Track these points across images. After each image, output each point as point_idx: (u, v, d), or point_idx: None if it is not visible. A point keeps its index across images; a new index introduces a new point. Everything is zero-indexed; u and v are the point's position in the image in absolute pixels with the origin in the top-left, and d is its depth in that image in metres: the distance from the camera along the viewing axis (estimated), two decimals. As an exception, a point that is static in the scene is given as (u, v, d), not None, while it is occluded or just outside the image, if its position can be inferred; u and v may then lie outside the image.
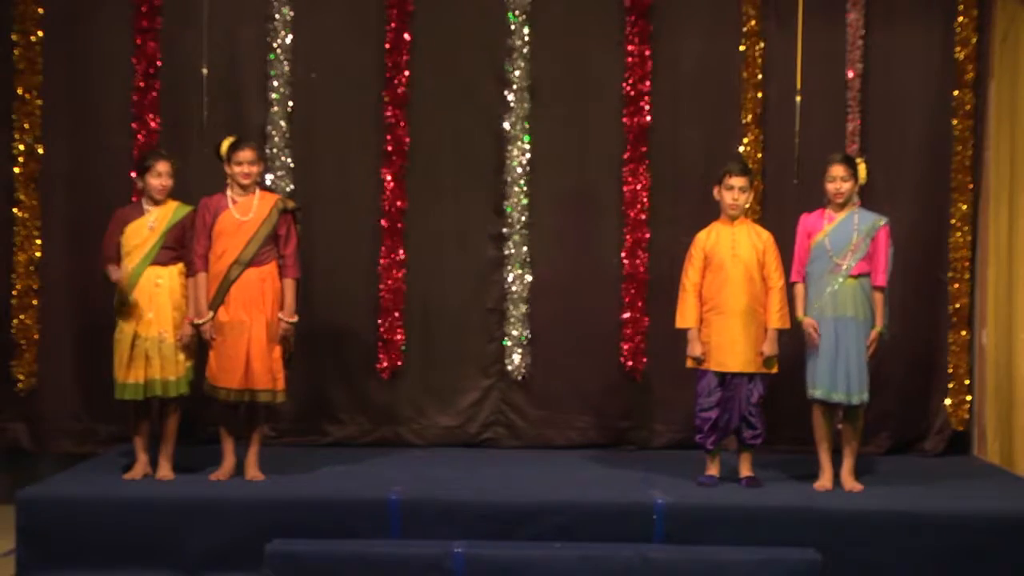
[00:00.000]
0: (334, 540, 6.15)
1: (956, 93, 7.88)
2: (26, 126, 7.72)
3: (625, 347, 7.91)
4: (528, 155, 7.89)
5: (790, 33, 7.74)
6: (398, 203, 7.87)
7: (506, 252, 7.92)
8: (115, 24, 7.76)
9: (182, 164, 6.98)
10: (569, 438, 7.99)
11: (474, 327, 7.98)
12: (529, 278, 7.93)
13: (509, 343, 7.93)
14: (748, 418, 6.72)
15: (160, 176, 6.71)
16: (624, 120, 7.88)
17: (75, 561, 6.21)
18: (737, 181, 6.75)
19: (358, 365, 7.94)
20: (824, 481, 6.74)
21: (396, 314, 7.88)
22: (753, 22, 7.86)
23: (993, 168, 7.84)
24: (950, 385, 7.95)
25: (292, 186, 7.79)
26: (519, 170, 7.88)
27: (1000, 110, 7.80)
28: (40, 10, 7.71)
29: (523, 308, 7.93)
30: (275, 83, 7.80)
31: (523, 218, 7.91)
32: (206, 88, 7.66)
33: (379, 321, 7.88)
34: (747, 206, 6.90)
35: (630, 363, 7.91)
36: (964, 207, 7.91)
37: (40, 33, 7.72)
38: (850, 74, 7.86)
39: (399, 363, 7.91)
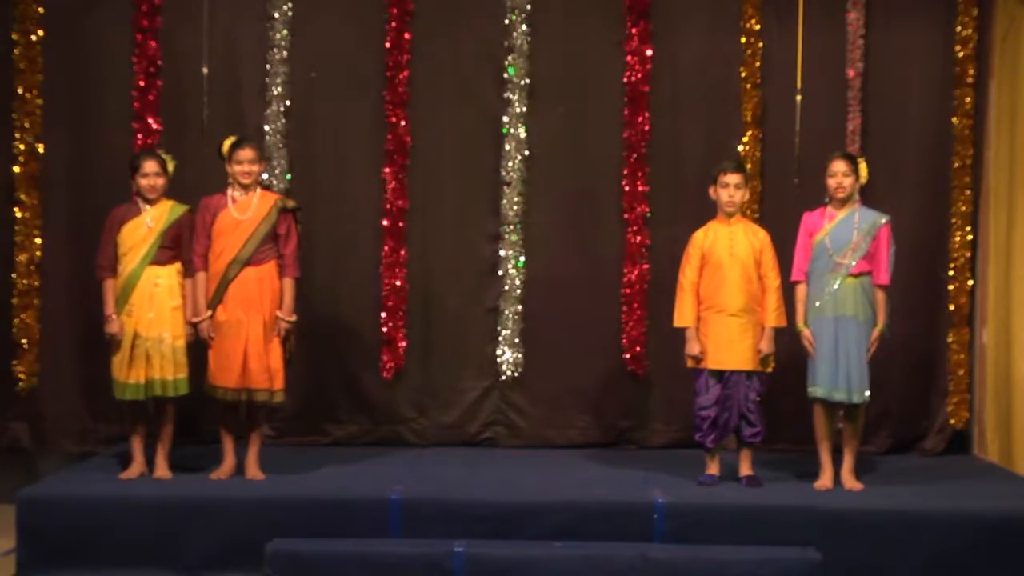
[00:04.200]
0: (334, 540, 6.14)
1: (956, 92, 7.87)
2: (27, 125, 7.72)
3: (625, 346, 7.91)
4: (528, 154, 7.89)
5: (790, 32, 7.76)
6: (399, 203, 7.87)
7: (506, 251, 7.92)
8: (115, 23, 7.77)
9: (182, 164, 6.99)
10: (569, 437, 8.00)
11: (474, 326, 7.98)
12: (529, 278, 7.93)
13: (511, 343, 7.93)
14: (747, 416, 6.73)
15: (147, 176, 6.71)
16: (624, 120, 7.88)
17: (75, 561, 6.21)
18: (732, 178, 6.76)
19: (358, 365, 7.94)
20: (824, 480, 6.74)
21: (398, 313, 7.88)
22: (753, 21, 7.86)
23: (993, 168, 7.84)
24: (950, 384, 7.96)
25: (291, 186, 7.79)
26: (519, 170, 7.88)
27: (1000, 110, 7.80)
28: (40, 9, 7.71)
29: (522, 307, 7.93)
30: (275, 82, 7.80)
31: (523, 218, 7.91)
32: (206, 88, 7.68)
33: (381, 320, 7.88)
34: (744, 203, 6.90)
35: (630, 362, 7.91)
36: (964, 207, 7.90)
37: (40, 32, 7.72)
38: (850, 73, 7.85)
39: (400, 362, 7.91)
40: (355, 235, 7.92)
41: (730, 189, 6.75)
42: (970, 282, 7.94)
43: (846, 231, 6.68)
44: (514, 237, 7.91)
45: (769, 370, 6.78)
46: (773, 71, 7.86)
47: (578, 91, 7.92)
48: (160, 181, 6.75)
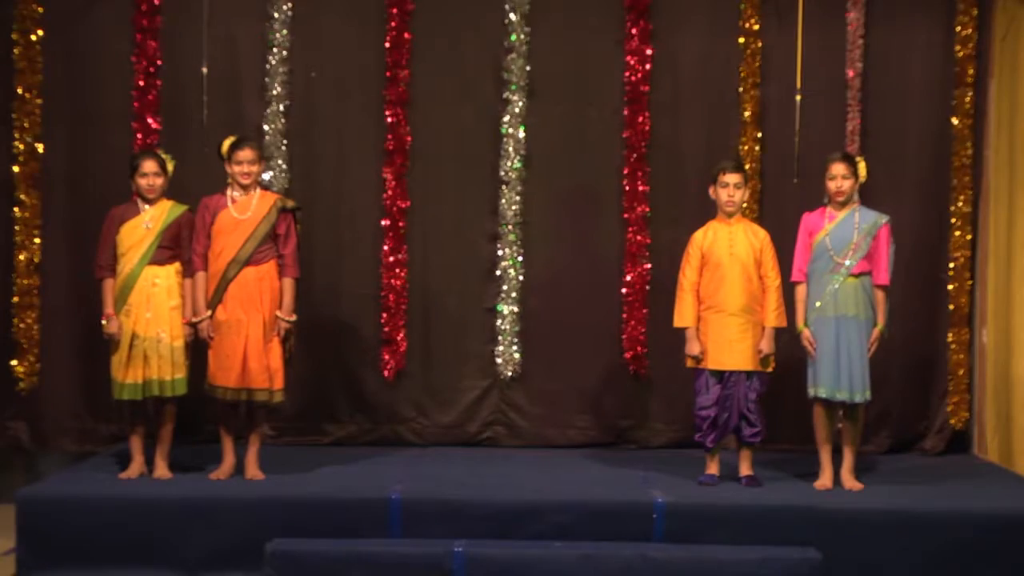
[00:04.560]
0: (334, 540, 6.14)
1: (956, 92, 7.88)
2: (26, 125, 7.72)
3: (625, 346, 7.91)
4: (527, 154, 7.89)
5: (790, 32, 7.76)
6: (400, 202, 7.87)
7: (506, 251, 7.92)
8: (115, 23, 7.77)
9: (181, 163, 6.99)
10: (569, 437, 8.00)
11: (474, 326, 7.98)
12: (528, 278, 7.93)
13: (508, 342, 7.93)
14: (747, 416, 6.73)
15: (146, 176, 6.72)
16: (624, 119, 7.88)
17: (75, 561, 6.20)
18: (732, 178, 6.76)
19: (358, 365, 7.94)
20: (824, 480, 6.75)
21: (398, 313, 7.89)
22: (753, 21, 7.86)
23: (993, 167, 7.84)
24: (950, 384, 7.96)
25: (291, 185, 7.80)
26: (519, 169, 7.88)
27: (1000, 109, 7.80)
28: (40, 9, 7.71)
29: (522, 307, 7.93)
30: (275, 82, 7.80)
31: (523, 217, 7.91)
32: (206, 87, 7.68)
33: (381, 320, 7.88)
34: (743, 203, 6.90)
35: (630, 362, 7.91)
36: (964, 206, 7.91)
37: (40, 32, 7.72)
38: (850, 73, 7.85)
39: (400, 362, 7.91)
40: (355, 235, 7.92)
41: (730, 189, 6.75)
42: (970, 282, 7.94)
43: (846, 231, 6.68)
44: (514, 237, 7.91)
45: (769, 370, 6.77)
46: (773, 71, 7.86)
47: (578, 91, 7.92)
48: (159, 181, 6.75)
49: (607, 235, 7.94)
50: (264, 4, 7.81)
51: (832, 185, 6.72)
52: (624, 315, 7.92)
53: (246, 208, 6.70)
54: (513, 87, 7.87)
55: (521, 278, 7.93)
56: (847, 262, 6.66)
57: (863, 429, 6.93)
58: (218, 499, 6.38)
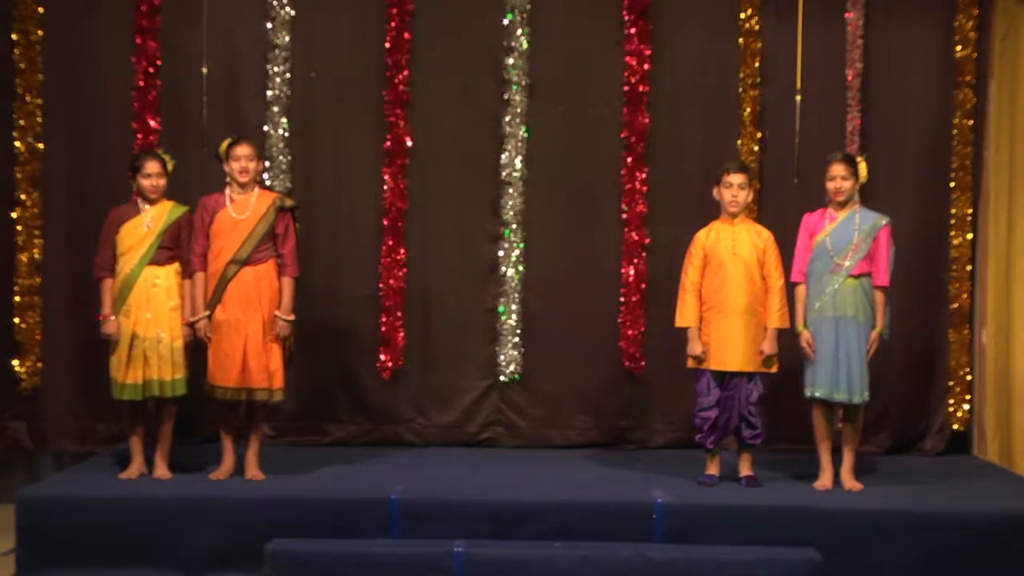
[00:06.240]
0: (334, 540, 6.15)
1: (956, 93, 7.88)
2: (27, 125, 7.72)
3: (624, 346, 7.91)
4: (528, 154, 7.89)
5: (790, 32, 7.75)
6: (398, 202, 7.87)
7: (505, 251, 7.92)
8: (115, 24, 7.77)
9: (181, 164, 7.00)
10: (569, 438, 8.00)
11: (474, 327, 7.98)
12: (528, 278, 7.93)
13: (508, 342, 7.93)
14: (748, 417, 6.72)
15: (150, 177, 6.72)
16: (623, 120, 7.89)
17: (75, 561, 6.21)
18: (736, 179, 6.76)
19: (358, 365, 7.95)
20: (824, 481, 6.74)
21: (397, 313, 7.89)
22: (753, 21, 7.86)
23: (993, 168, 7.84)
24: (950, 385, 7.96)
25: (291, 185, 7.80)
26: (519, 170, 7.88)
27: (1000, 110, 7.80)
28: (40, 9, 7.72)
29: (522, 307, 7.93)
30: (275, 82, 7.80)
31: (523, 218, 7.92)
32: (206, 88, 7.68)
33: (380, 320, 7.89)
34: (747, 204, 6.89)
35: (630, 362, 7.92)
36: (964, 207, 7.91)
37: (40, 32, 7.72)
38: (850, 74, 7.85)
39: (400, 363, 7.92)
40: (355, 235, 7.92)
41: (733, 189, 6.75)
42: (970, 282, 7.94)
43: (847, 232, 6.68)
44: (514, 237, 7.91)
45: (773, 371, 6.77)
46: (773, 71, 7.86)
47: (578, 91, 7.92)
48: (162, 182, 6.76)
49: (607, 235, 7.94)
50: (264, 4, 7.81)
51: (831, 186, 6.72)
52: (624, 315, 7.92)
53: (244, 208, 6.70)
54: (513, 87, 7.87)
55: (521, 278, 7.93)
56: (847, 263, 6.66)
57: (863, 429, 6.92)
58: (218, 499, 6.38)
